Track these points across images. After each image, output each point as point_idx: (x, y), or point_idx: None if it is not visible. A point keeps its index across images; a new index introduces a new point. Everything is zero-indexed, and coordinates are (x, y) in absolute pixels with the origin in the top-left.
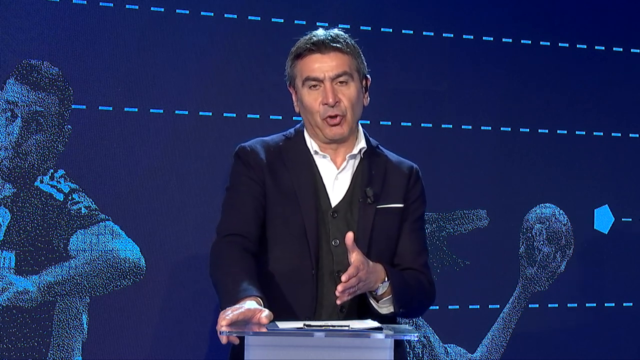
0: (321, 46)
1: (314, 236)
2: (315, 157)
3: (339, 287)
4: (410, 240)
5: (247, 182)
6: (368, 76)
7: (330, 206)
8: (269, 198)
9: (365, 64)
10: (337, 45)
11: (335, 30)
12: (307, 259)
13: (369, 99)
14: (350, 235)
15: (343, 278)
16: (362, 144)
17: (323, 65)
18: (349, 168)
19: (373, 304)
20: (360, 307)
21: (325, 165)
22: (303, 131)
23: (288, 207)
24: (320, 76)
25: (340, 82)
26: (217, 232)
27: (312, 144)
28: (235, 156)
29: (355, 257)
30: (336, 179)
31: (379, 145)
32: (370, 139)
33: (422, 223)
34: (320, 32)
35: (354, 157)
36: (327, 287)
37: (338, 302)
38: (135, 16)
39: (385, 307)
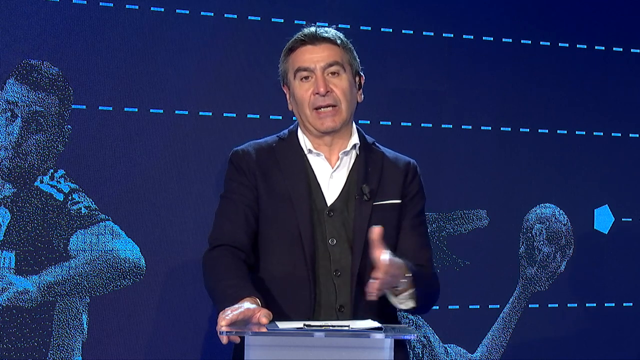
0: (312, 38)
1: (309, 237)
2: (309, 156)
3: (374, 285)
4: (413, 236)
5: (239, 189)
6: (362, 74)
7: (326, 205)
8: (263, 202)
9: (358, 61)
10: (328, 36)
11: (328, 27)
12: (302, 260)
13: (363, 96)
14: (377, 230)
15: (376, 275)
16: (354, 139)
17: (314, 55)
18: (344, 166)
19: (393, 300)
20: (359, 307)
21: (319, 164)
22: (297, 131)
23: (282, 210)
24: (311, 66)
25: (332, 73)
26: (209, 241)
27: (305, 143)
28: (229, 161)
29: (382, 252)
30: (331, 177)
31: (375, 142)
32: (366, 136)
33: (422, 218)
34: (311, 27)
35: (347, 153)
36: (325, 288)
37: (368, 298)
38: (135, 16)
39: (404, 303)
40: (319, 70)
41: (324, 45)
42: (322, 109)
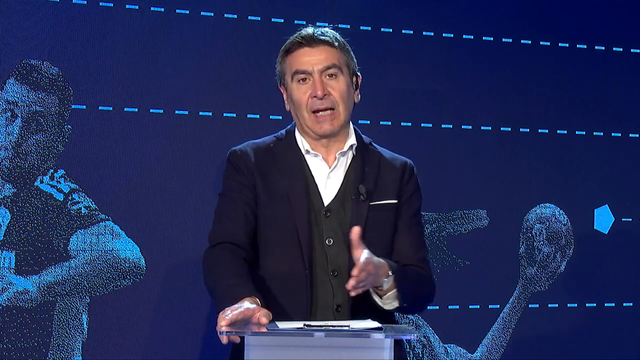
0: (310, 40)
1: (307, 237)
2: (307, 157)
3: (351, 282)
4: (408, 236)
5: (237, 188)
6: (359, 74)
7: (323, 205)
8: (261, 201)
9: (356, 61)
10: (326, 38)
11: (325, 27)
12: (299, 260)
13: (360, 96)
14: (356, 230)
15: (354, 272)
16: (352, 140)
17: (312, 58)
18: (341, 166)
19: (377, 301)
20: (356, 307)
21: (316, 165)
22: (294, 131)
23: (280, 209)
24: (309, 69)
25: (329, 75)
26: (209, 239)
27: (303, 143)
28: (226, 161)
29: (362, 252)
30: (328, 177)
31: (372, 142)
32: (363, 135)
33: (418, 218)
34: (309, 29)
35: (344, 154)
36: (323, 288)
37: (352, 293)
38: (135, 16)
39: (389, 303)
40: (317, 73)
41: (322, 47)
42: (320, 113)
